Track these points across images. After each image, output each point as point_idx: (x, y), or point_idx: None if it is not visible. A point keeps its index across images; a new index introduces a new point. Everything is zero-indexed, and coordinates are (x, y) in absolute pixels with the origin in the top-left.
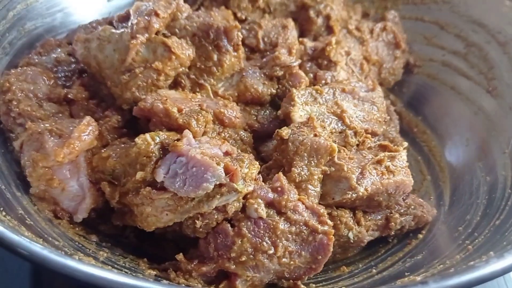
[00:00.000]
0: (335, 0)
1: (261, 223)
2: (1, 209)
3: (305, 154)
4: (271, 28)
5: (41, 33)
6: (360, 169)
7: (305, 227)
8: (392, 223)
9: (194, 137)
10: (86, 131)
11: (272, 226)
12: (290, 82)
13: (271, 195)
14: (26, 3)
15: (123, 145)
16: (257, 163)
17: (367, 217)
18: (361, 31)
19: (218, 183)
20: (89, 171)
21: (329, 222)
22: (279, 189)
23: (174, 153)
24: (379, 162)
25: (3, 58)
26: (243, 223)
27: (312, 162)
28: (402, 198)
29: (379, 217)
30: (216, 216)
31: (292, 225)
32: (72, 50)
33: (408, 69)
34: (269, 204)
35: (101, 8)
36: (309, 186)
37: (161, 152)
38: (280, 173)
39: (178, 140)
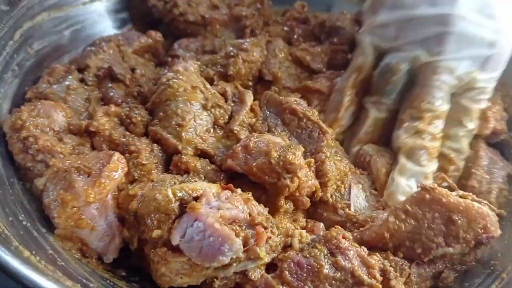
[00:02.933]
0: None
1: (304, 264)
2: (33, 252)
3: None
4: None
5: (49, 53)
6: None
7: (350, 275)
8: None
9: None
10: (117, 170)
11: (316, 270)
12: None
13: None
14: (33, 21)
15: (151, 184)
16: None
17: None
18: None
19: (235, 256)
20: (115, 208)
21: (377, 276)
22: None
23: (191, 215)
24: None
25: (13, 81)
26: (286, 265)
27: None
28: None
29: None
30: (234, 277)
31: (337, 271)
32: None
33: None
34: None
35: (109, 25)
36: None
37: (180, 209)
38: None
39: (197, 198)
